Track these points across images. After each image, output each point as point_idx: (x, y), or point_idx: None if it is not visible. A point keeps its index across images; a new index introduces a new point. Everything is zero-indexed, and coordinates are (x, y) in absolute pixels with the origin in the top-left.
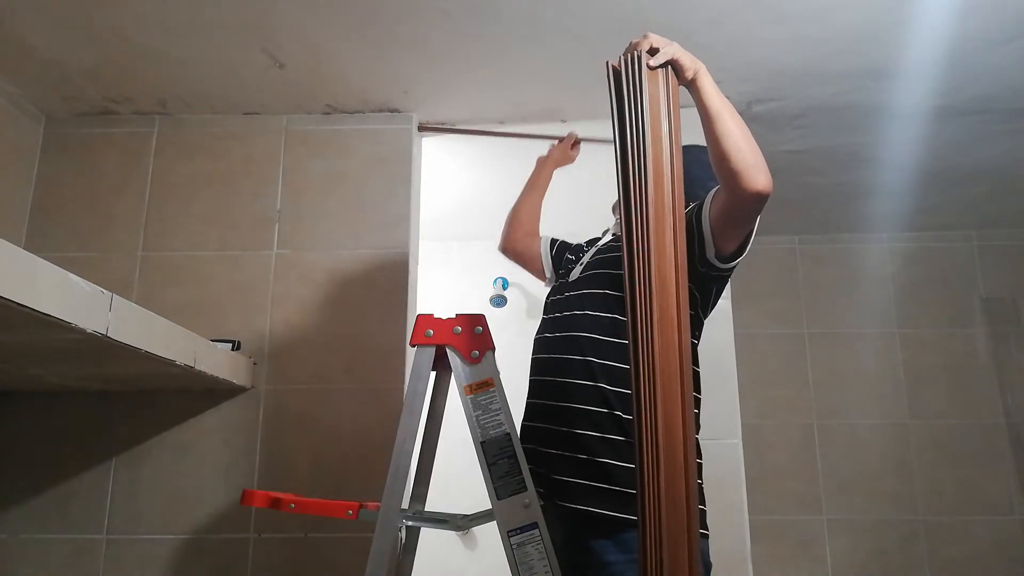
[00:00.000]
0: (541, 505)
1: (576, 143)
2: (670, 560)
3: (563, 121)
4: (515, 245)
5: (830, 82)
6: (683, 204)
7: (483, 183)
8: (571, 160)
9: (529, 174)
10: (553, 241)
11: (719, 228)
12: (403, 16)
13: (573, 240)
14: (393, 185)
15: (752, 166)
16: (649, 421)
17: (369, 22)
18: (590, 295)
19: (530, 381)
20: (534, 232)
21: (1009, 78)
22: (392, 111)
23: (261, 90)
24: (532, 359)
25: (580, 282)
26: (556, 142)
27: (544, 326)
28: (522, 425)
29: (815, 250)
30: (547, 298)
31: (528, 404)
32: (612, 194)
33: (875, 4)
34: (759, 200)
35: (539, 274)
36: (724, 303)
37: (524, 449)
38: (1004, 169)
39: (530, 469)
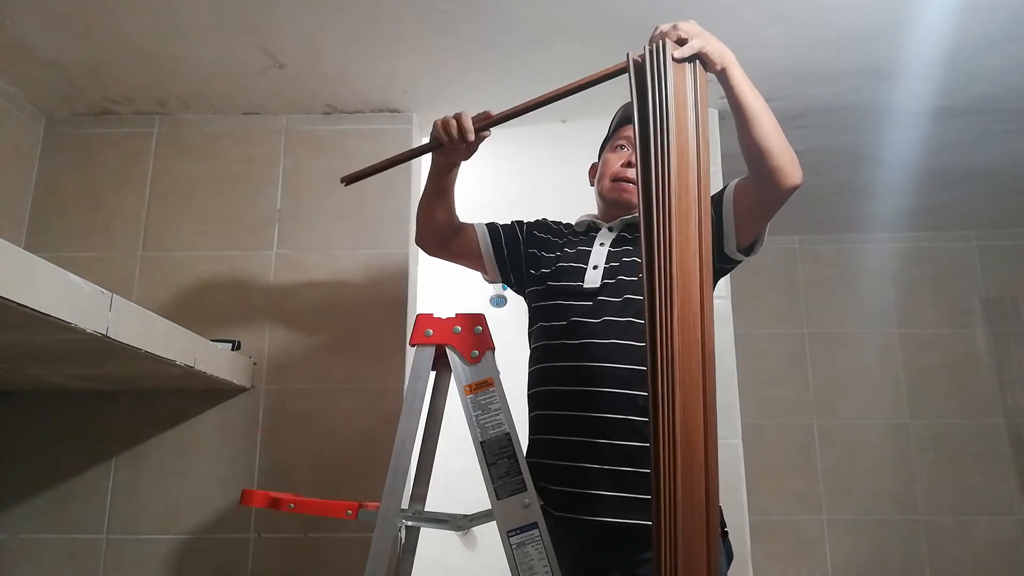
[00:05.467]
0: (560, 517)
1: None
2: (685, 565)
3: (563, 121)
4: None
5: (830, 82)
6: (709, 201)
7: (484, 181)
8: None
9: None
10: (494, 234)
11: (744, 222)
12: (403, 16)
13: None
14: (393, 185)
15: (789, 163)
16: (666, 422)
17: (369, 22)
18: (622, 301)
19: (547, 392)
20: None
21: (1009, 78)
22: (392, 111)
23: (261, 90)
24: (547, 367)
25: (606, 288)
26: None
27: (563, 333)
28: (539, 440)
29: (815, 250)
30: (549, 300)
31: (546, 416)
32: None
33: (875, 4)
34: (792, 193)
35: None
36: (724, 303)
37: (544, 466)
38: (1004, 169)
39: (555, 490)
